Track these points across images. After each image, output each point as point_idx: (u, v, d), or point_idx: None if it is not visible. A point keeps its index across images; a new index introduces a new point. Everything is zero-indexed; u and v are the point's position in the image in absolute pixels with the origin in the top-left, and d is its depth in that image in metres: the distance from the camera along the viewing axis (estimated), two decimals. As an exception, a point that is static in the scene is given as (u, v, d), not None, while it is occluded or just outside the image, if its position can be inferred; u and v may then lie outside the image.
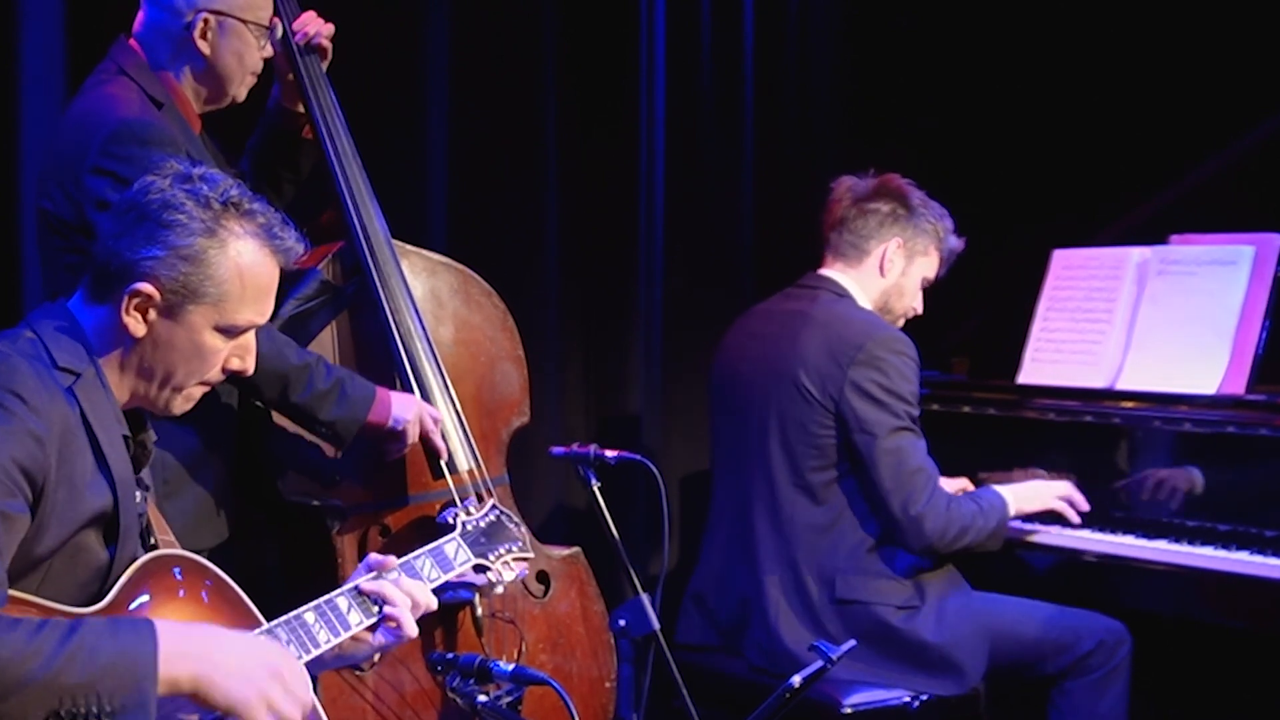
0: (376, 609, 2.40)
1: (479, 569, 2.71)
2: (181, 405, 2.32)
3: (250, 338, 2.33)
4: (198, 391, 2.33)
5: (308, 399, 3.02)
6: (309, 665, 2.34)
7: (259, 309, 2.30)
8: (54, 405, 2.11)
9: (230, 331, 2.28)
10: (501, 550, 2.77)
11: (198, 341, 2.25)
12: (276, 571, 3.38)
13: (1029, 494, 3.74)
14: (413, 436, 3.15)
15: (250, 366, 2.34)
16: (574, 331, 4.61)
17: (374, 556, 2.49)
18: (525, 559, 2.84)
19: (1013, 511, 3.67)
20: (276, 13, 3.22)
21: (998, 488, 3.70)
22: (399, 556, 2.52)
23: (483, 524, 2.77)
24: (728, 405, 3.84)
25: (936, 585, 3.60)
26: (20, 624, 1.97)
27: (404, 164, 4.12)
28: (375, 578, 2.43)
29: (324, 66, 3.30)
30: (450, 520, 2.78)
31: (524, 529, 2.86)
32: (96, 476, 2.17)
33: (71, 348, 2.21)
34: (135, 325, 2.22)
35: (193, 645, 2.06)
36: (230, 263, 2.23)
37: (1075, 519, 3.76)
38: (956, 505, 3.57)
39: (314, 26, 3.27)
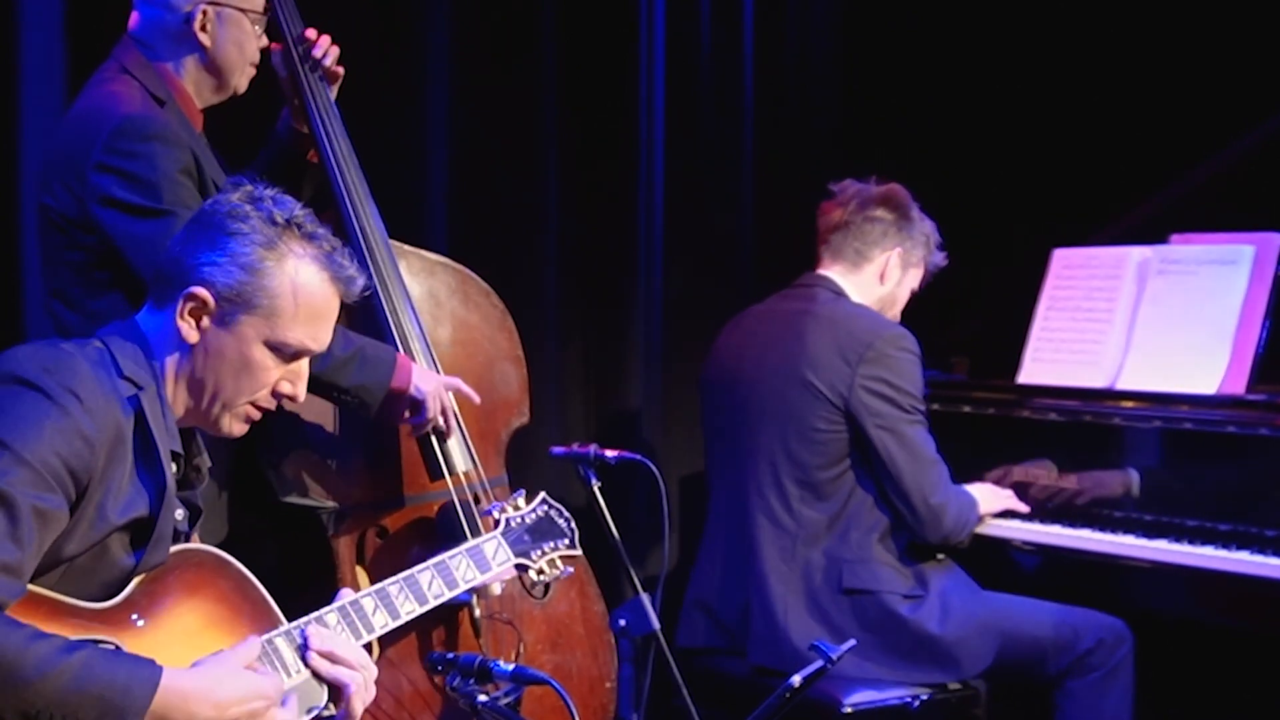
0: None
1: (520, 569, 2.69)
2: (232, 425, 2.32)
3: (304, 365, 2.34)
4: (252, 413, 2.33)
5: (327, 369, 2.99)
6: None
7: (312, 333, 2.30)
8: (110, 410, 2.14)
9: (281, 350, 2.28)
10: (546, 548, 2.74)
11: (246, 354, 2.26)
12: (275, 574, 3.37)
13: (986, 496, 3.82)
14: (433, 409, 3.14)
15: (301, 394, 2.35)
16: (574, 331, 4.61)
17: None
18: (573, 555, 2.81)
19: (981, 510, 3.76)
20: (278, 23, 3.22)
21: (965, 487, 3.77)
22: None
23: (529, 520, 2.74)
24: (726, 407, 3.85)
25: (936, 574, 3.64)
26: (24, 627, 1.99)
27: (404, 164, 4.12)
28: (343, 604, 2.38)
29: (333, 92, 3.30)
30: (496, 515, 2.75)
31: (574, 524, 2.82)
32: (138, 485, 2.19)
33: (138, 362, 2.24)
34: (189, 330, 2.25)
35: (191, 701, 2.07)
36: (286, 278, 2.25)
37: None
38: (961, 499, 3.66)
39: (323, 48, 3.27)
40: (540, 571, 2.75)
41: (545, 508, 2.80)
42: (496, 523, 2.71)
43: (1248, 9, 4.69)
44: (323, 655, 2.27)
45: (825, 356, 3.63)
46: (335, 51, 3.29)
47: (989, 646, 3.56)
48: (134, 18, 3.09)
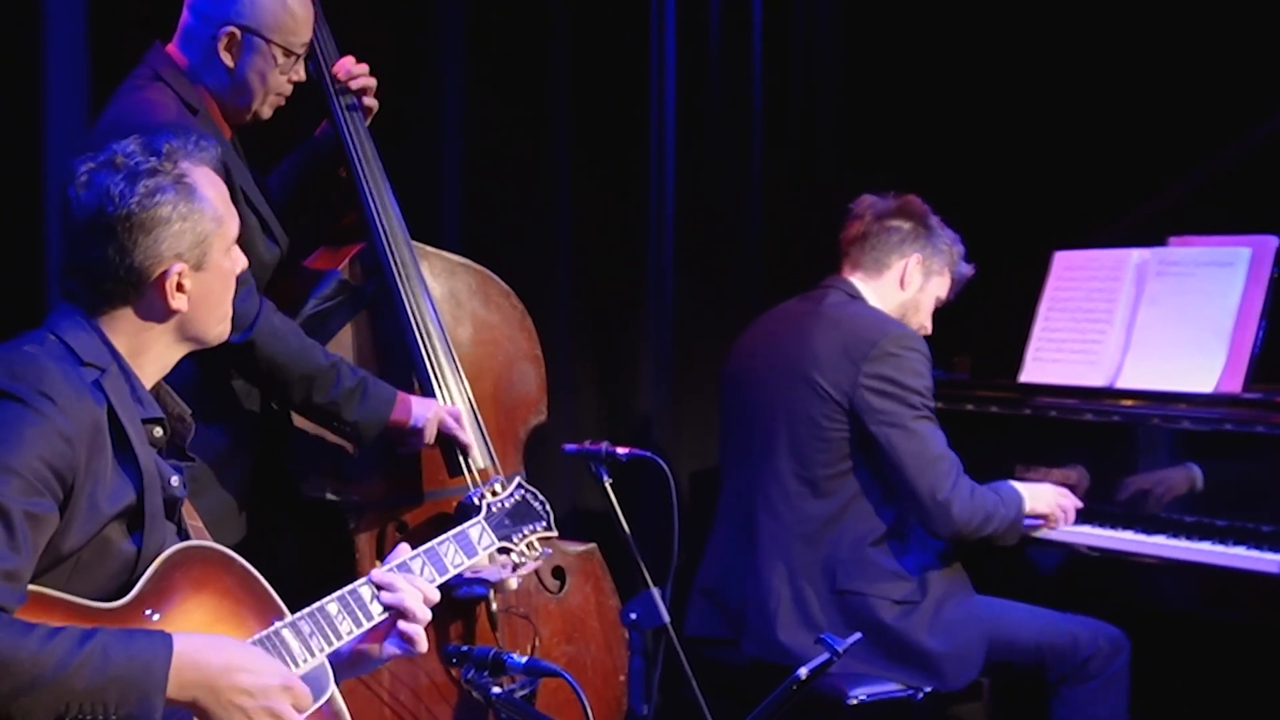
0: (381, 608, 2.43)
1: (503, 551, 2.75)
2: (225, 331, 2.43)
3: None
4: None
5: (335, 398, 3.06)
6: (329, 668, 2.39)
7: (235, 212, 2.40)
8: (82, 404, 2.17)
9: (232, 245, 2.39)
10: (525, 531, 2.77)
11: (225, 273, 2.37)
12: (296, 569, 3.43)
13: (1038, 494, 3.77)
14: (429, 436, 3.18)
15: (242, 261, 2.43)
16: (585, 330, 4.63)
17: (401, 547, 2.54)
18: (549, 537, 2.86)
19: (1027, 507, 3.71)
20: (313, 51, 3.23)
21: (1013, 483, 3.74)
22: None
23: (508, 504, 2.78)
24: (737, 402, 3.89)
25: (940, 585, 3.64)
26: (36, 628, 2.03)
27: (417, 167, 4.14)
28: (390, 569, 2.46)
29: (368, 121, 3.34)
30: (476, 501, 2.79)
31: (548, 506, 2.87)
32: (120, 471, 2.22)
33: (92, 343, 2.27)
34: (180, 301, 2.31)
35: (208, 665, 2.12)
36: (206, 196, 2.32)
37: (1068, 524, 3.80)
38: (980, 493, 3.62)
39: (359, 80, 3.30)
40: (520, 553, 2.81)
41: (522, 492, 2.83)
42: (477, 509, 2.75)
43: (1247, 10, 4.71)
44: (383, 587, 2.42)
45: (830, 356, 3.66)
46: (371, 83, 3.32)
47: (976, 659, 3.57)
48: (182, 19, 3.10)
